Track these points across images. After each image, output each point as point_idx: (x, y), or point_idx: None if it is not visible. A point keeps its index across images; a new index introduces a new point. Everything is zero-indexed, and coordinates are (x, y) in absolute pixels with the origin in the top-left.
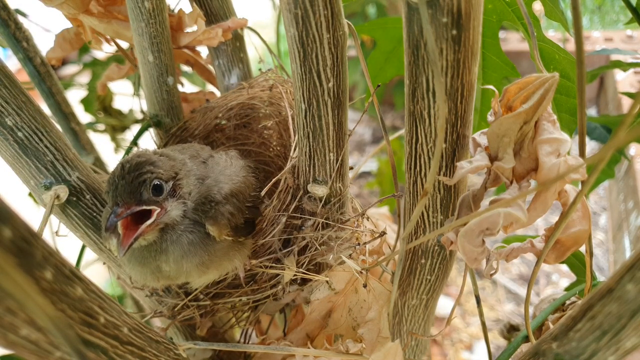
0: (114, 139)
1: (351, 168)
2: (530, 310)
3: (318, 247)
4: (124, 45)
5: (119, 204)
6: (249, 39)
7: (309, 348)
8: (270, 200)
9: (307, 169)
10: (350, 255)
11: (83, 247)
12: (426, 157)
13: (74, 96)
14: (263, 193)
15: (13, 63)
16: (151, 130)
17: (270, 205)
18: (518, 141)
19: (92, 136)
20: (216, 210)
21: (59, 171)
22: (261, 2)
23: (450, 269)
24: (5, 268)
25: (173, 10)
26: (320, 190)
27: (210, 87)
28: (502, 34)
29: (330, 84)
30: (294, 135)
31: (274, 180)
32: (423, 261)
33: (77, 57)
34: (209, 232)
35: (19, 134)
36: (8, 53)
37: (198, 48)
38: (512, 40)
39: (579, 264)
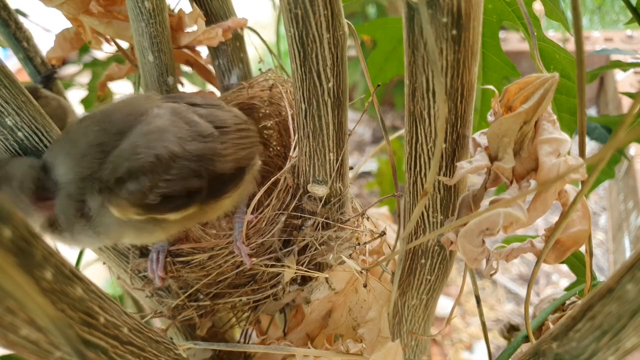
0: None
1: (351, 168)
2: (530, 310)
3: (318, 247)
4: (124, 45)
5: None
6: (249, 39)
7: (309, 348)
8: (269, 200)
9: (307, 168)
10: (350, 255)
11: None
12: (426, 157)
13: (74, 96)
14: (261, 193)
15: (13, 63)
16: None
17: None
18: (518, 141)
19: None
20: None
21: None
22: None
23: (450, 269)
24: (5, 268)
25: (173, 10)
26: (320, 190)
27: (210, 87)
28: (502, 34)
29: (330, 84)
30: (294, 135)
31: (272, 179)
32: (423, 261)
33: (77, 57)
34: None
35: (19, 134)
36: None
37: (198, 48)
38: (512, 40)
39: (579, 264)
